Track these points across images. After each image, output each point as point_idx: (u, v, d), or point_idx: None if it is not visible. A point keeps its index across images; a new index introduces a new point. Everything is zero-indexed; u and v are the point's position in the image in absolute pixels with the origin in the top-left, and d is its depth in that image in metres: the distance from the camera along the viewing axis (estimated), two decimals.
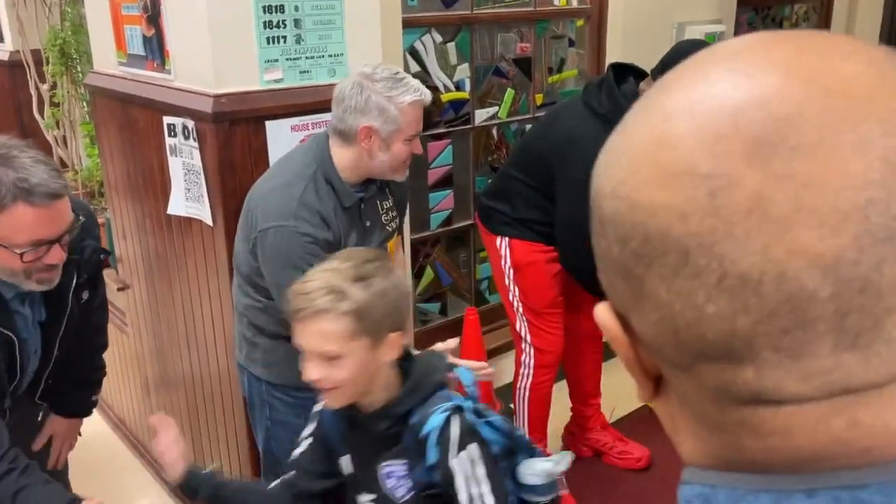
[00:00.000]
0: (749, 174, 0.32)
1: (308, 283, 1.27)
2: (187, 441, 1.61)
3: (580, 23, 3.36)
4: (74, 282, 1.57)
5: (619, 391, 2.72)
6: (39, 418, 1.83)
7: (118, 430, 3.03)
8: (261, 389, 1.87)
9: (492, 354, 2.95)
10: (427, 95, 1.74)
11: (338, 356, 1.26)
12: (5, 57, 3.85)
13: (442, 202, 3.10)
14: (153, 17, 2.05)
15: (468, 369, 1.45)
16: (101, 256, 1.65)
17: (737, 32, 3.73)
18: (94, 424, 2.42)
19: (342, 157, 1.73)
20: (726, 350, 0.34)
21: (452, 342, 1.73)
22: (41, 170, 1.36)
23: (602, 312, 0.41)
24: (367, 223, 1.82)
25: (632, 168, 0.36)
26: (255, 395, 1.90)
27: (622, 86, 2.20)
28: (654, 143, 0.36)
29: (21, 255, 1.37)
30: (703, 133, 0.34)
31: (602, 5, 3.29)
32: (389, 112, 1.67)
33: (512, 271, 2.42)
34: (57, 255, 1.42)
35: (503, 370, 2.84)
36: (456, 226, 3.16)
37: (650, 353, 0.39)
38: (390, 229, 1.92)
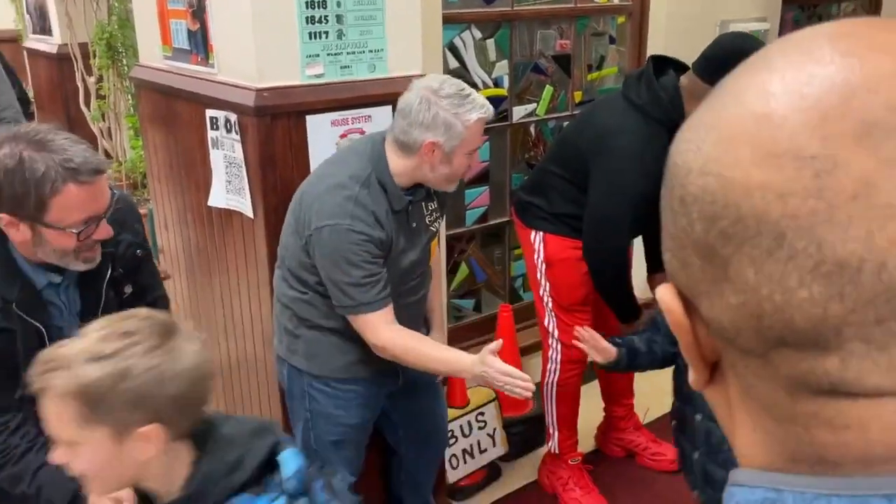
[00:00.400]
0: (857, 158, 0.32)
1: (47, 353, 1.05)
2: None
3: (621, 19, 3.33)
4: (109, 274, 1.60)
5: (653, 392, 2.70)
6: None
7: None
8: (301, 381, 1.90)
9: (525, 352, 2.94)
10: (490, 111, 1.77)
11: (74, 443, 1.04)
12: (54, 50, 3.95)
13: (478, 199, 3.10)
14: (198, 11, 2.08)
15: (294, 453, 1.12)
16: (138, 252, 1.67)
17: (782, 31, 3.67)
18: None
19: (399, 165, 1.76)
20: (813, 337, 0.34)
21: (495, 345, 1.73)
22: (80, 149, 1.39)
23: (665, 294, 0.40)
24: (414, 224, 1.84)
25: (726, 146, 0.35)
26: (296, 386, 1.92)
27: (661, 78, 2.17)
28: (755, 121, 0.35)
29: (78, 234, 1.41)
30: (810, 113, 0.33)
31: (644, 2, 3.25)
32: (455, 129, 1.69)
33: (544, 266, 2.41)
34: (105, 231, 1.46)
35: (536, 368, 2.83)
36: (491, 222, 3.16)
37: (718, 338, 0.38)
38: (434, 230, 1.94)
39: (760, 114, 0.35)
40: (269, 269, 1.99)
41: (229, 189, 2.12)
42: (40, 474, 1.44)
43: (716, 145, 0.36)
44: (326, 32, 1.95)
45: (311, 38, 1.93)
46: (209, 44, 2.09)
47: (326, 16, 1.94)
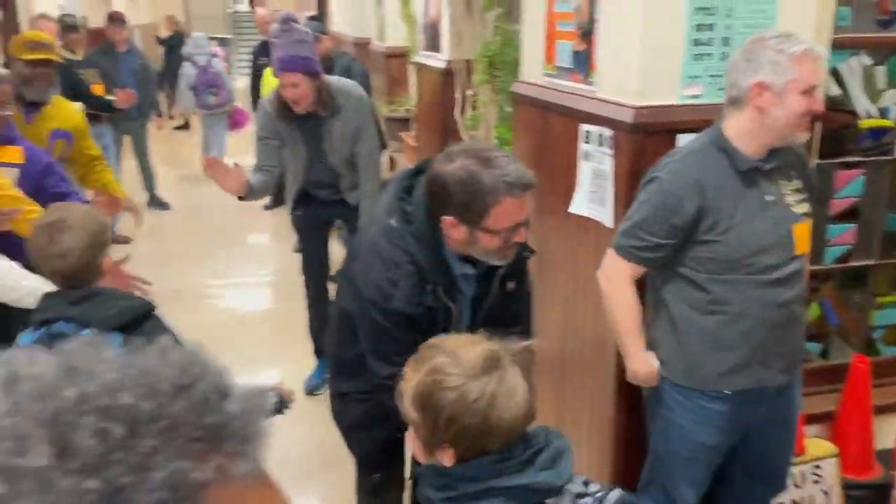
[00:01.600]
0: None
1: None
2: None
3: None
4: (500, 272, 1.81)
5: None
6: None
7: None
8: (661, 386, 1.93)
9: (880, 412, 2.64)
10: (822, 50, 1.73)
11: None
12: (440, 65, 4.51)
13: (842, 236, 2.86)
14: (586, 33, 2.25)
15: None
16: (525, 254, 1.87)
17: None
18: None
19: (735, 125, 1.77)
20: None
21: None
22: (516, 167, 1.61)
23: None
24: (768, 198, 1.79)
25: None
26: (654, 390, 1.96)
27: None
28: None
29: (505, 237, 1.64)
30: None
31: None
32: (780, 63, 1.66)
33: None
34: (523, 235, 1.67)
35: (890, 431, 2.54)
36: (854, 264, 2.88)
37: None
38: (798, 212, 1.84)
39: None
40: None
41: (591, 199, 2.26)
42: None
43: None
44: (711, 54, 1.99)
45: (695, 59, 1.98)
46: (592, 63, 2.24)
47: (713, 38, 1.97)
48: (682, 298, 1.84)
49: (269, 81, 5.09)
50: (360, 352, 1.80)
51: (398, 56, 6.07)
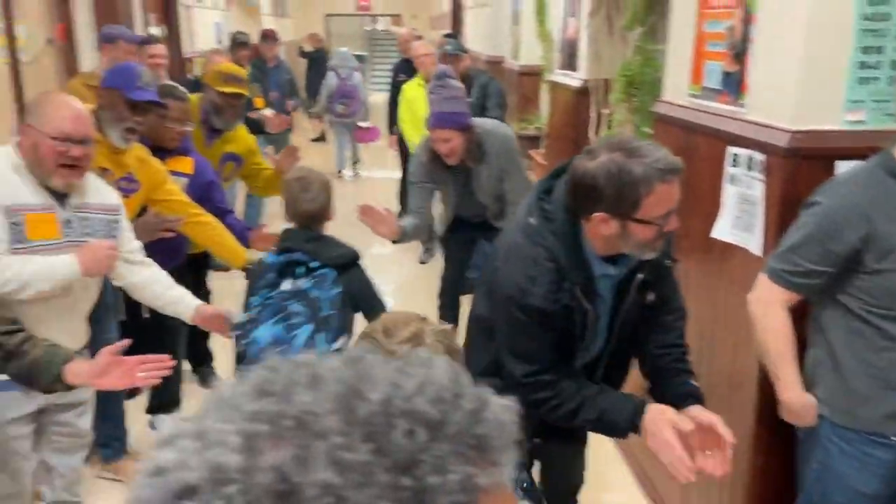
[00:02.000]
0: None
1: None
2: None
3: None
4: (639, 277, 1.76)
5: None
6: None
7: None
8: (818, 426, 1.82)
9: None
10: None
11: None
12: (576, 84, 4.50)
13: None
14: (739, 53, 2.19)
15: None
16: (665, 261, 1.81)
17: None
18: None
19: None
20: None
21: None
22: (663, 153, 1.58)
23: None
24: None
25: None
26: (810, 430, 1.85)
27: None
28: None
29: (658, 227, 1.60)
30: None
31: None
32: None
33: None
34: (675, 222, 1.63)
35: None
36: None
37: None
38: None
39: None
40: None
41: (736, 224, 2.18)
42: (599, 400, 1.71)
43: None
44: (877, 78, 1.88)
45: (859, 83, 1.88)
46: (743, 84, 2.17)
47: (882, 61, 1.87)
48: (848, 332, 1.74)
49: (407, 98, 5.26)
50: (493, 359, 1.81)
51: (531, 74, 6.11)
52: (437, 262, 5.25)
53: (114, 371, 1.88)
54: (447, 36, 6.73)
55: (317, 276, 2.23)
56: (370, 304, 2.29)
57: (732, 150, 2.17)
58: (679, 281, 2.60)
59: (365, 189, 8.21)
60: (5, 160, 2.08)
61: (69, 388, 1.94)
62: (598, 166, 1.58)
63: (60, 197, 2.13)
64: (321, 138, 11.13)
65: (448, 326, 1.37)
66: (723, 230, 2.24)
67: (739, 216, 2.17)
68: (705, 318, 2.40)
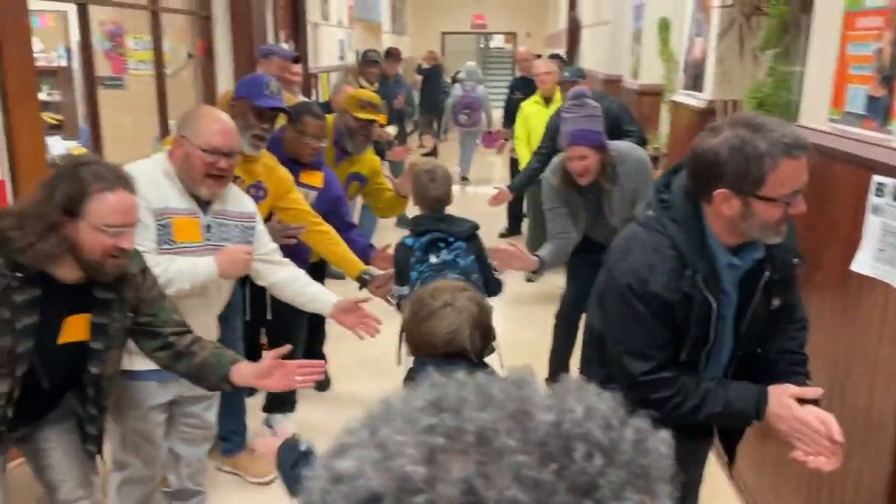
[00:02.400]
0: None
1: None
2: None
3: None
4: (766, 275, 1.66)
5: None
6: None
7: None
8: None
9: None
10: None
11: None
12: (700, 105, 4.38)
13: None
14: (888, 77, 2.07)
15: None
16: (794, 260, 1.70)
17: None
18: None
19: None
20: None
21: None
22: (790, 129, 1.50)
23: None
24: None
25: None
26: None
27: None
28: None
29: (784, 207, 1.51)
30: None
31: None
32: None
33: None
34: (802, 204, 1.53)
35: None
36: None
37: None
38: None
39: None
40: None
41: (878, 258, 2.06)
42: (721, 392, 1.66)
43: None
44: None
45: None
46: (892, 110, 2.05)
47: None
48: None
49: (524, 114, 5.28)
50: (607, 372, 1.78)
51: (651, 94, 5.99)
52: (545, 280, 5.23)
53: (276, 373, 1.99)
54: (553, 57, 6.68)
55: (455, 249, 2.74)
56: (486, 263, 2.85)
57: (877, 178, 2.05)
58: (810, 310, 2.49)
59: (471, 203, 8.32)
60: (159, 167, 2.25)
61: (235, 388, 2.06)
62: (721, 141, 1.52)
63: (204, 203, 2.28)
64: (433, 153, 11.33)
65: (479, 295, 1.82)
66: (863, 263, 2.12)
67: (883, 249, 2.04)
68: (839, 353, 2.28)
